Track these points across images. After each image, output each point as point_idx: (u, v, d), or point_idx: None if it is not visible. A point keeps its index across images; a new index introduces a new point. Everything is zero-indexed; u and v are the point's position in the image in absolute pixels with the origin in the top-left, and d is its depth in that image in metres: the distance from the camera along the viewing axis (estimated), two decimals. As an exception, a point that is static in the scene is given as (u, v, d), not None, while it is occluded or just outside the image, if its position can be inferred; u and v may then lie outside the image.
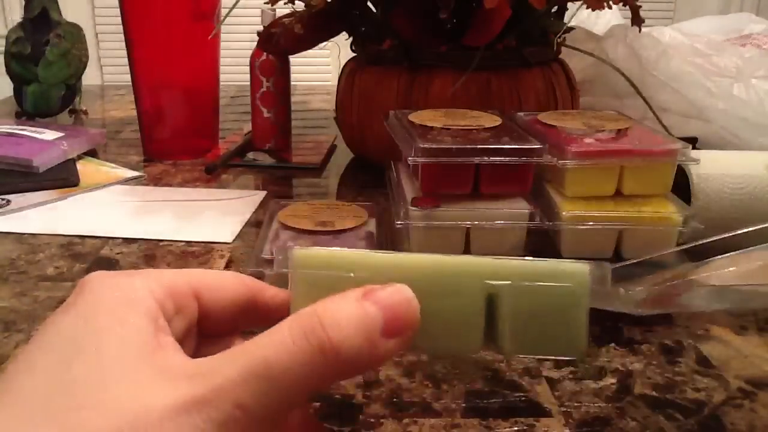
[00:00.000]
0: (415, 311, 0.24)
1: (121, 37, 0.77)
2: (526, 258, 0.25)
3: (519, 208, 0.50)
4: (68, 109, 0.97)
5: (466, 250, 0.50)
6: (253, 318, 0.29)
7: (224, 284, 0.28)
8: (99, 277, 0.24)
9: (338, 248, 0.26)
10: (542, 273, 0.24)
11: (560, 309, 0.25)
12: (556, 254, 0.51)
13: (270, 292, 0.29)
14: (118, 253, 0.54)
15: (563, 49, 0.74)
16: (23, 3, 0.93)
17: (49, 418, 0.20)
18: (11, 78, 0.92)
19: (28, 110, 0.92)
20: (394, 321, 0.23)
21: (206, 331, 0.28)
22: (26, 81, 0.91)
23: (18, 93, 0.92)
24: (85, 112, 0.99)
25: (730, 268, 0.41)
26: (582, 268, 0.25)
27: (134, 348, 0.22)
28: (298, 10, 0.71)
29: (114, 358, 0.21)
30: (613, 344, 0.41)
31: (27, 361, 0.21)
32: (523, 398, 0.36)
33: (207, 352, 0.23)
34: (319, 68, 2.10)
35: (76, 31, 0.96)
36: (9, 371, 0.22)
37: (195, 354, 0.26)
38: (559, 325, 0.25)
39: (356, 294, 0.23)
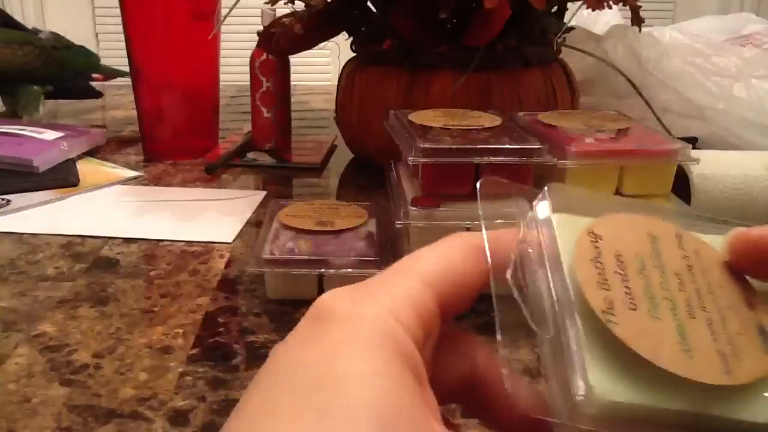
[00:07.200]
0: None
1: (121, 36, 0.77)
2: None
3: (519, 209, 0.49)
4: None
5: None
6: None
7: (465, 278, 0.21)
8: (339, 304, 0.19)
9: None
10: None
11: None
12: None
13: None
14: (118, 253, 0.54)
15: (563, 49, 0.74)
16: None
17: None
18: (65, 69, 0.94)
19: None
20: None
21: None
22: (85, 69, 0.96)
23: (80, 81, 0.96)
24: None
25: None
26: None
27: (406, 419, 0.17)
28: (298, 10, 0.71)
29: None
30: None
31: (268, 401, 0.17)
32: (523, 398, 0.36)
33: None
34: (319, 68, 2.10)
35: None
36: (248, 409, 0.17)
37: None
38: None
39: None
